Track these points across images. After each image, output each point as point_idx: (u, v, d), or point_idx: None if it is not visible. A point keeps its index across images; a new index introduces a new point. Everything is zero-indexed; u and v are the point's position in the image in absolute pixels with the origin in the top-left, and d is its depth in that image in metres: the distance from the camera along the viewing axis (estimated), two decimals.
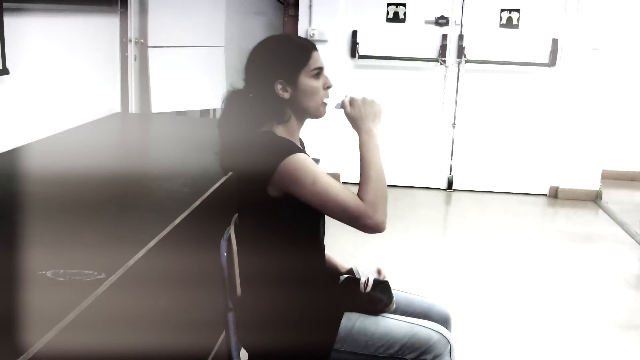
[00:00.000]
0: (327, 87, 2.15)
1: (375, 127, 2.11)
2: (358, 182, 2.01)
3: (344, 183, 6.05)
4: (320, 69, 2.13)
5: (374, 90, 6.19)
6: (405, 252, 4.71)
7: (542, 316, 3.79)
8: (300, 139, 2.25)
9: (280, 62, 2.10)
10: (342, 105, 2.14)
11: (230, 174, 2.22)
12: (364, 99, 2.13)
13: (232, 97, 2.16)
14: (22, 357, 1.51)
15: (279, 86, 2.08)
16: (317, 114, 2.15)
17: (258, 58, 2.14)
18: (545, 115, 6.17)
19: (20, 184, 3.01)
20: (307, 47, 2.13)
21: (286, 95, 2.09)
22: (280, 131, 2.11)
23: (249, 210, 2.13)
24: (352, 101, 2.13)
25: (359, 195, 1.98)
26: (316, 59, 2.12)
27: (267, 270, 2.07)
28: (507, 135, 6.25)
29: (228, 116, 2.14)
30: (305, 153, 2.21)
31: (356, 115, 2.11)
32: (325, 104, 2.15)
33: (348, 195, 1.96)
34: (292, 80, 2.09)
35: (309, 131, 2.23)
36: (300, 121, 2.17)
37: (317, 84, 2.12)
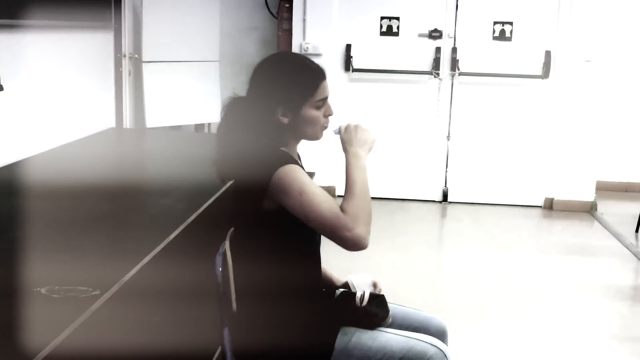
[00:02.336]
0: (327, 115, 2.15)
1: (363, 152, 2.10)
2: None
3: (339, 196, 6.06)
4: (325, 99, 2.13)
5: (368, 104, 6.23)
6: (401, 265, 4.70)
7: (537, 328, 3.78)
8: (297, 154, 2.25)
9: (287, 88, 2.09)
10: (339, 131, 2.15)
11: (223, 189, 2.22)
12: (357, 126, 2.13)
13: (233, 106, 2.15)
14: None
15: (280, 112, 2.08)
16: (314, 138, 2.16)
17: (266, 76, 2.12)
18: (539, 127, 6.19)
19: (15, 199, 3.01)
20: (318, 76, 2.12)
21: (285, 121, 2.09)
22: (279, 144, 2.12)
23: (245, 224, 2.12)
24: (346, 127, 2.14)
25: (340, 207, 1.96)
26: (323, 89, 2.12)
27: (263, 285, 2.06)
28: (501, 147, 6.26)
29: (228, 124, 2.13)
30: (301, 166, 2.22)
31: (346, 138, 2.12)
32: (324, 127, 2.15)
33: (331, 207, 1.94)
34: (294, 109, 2.08)
35: (305, 144, 2.23)
36: (297, 140, 2.18)
37: (319, 113, 2.12)
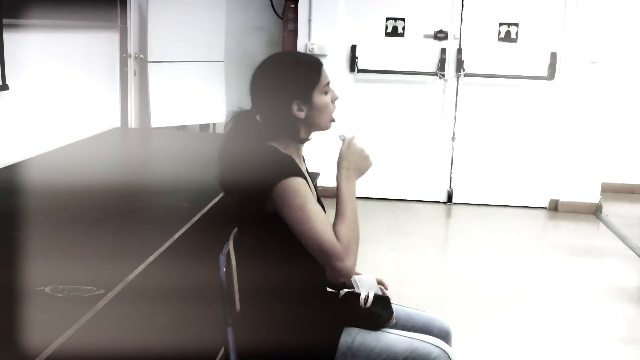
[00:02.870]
0: (334, 99, 2.16)
1: (355, 177, 2.12)
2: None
3: None
4: (329, 83, 2.14)
5: (373, 105, 6.22)
6: (405, 265, 4.70)
7: (542, 330, 3.78)
8: (302, 156, 2.25)
9: (295, 82, 2.11)
10: (344, 139, 2.16)
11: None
12: (361, 150, 2.13)
13: (239, 119, 2.15)
14: None
15: (295, 107, 2.09)
16: (326, 127, 2.17)
17: (269, 79, 2.13)
18: (544, 129, 6.18)
19: (20, 199, 3.01)
20: (316, 63, 2.15)
21: (302, 115, 2.10)
22: (284, 147, 2.11)
23: (248, 225, 2.12)
24: (350, 143, 2.14)
25: (334, 230, 1.98)
26: (325, 74, 2.15)
27: (266, 285, 2.07)
28: (506, 149, 6.25)
29: (235, 139, 2.14)
30: (306, 168, 2.22)
31: (345, 156, 2.12)
32: (333, 120, 2.16)
33: (328, 232, 1.96)
34: (307, 99, 2.10)
35: (309, 144, 2.23)
36: (308, 135, 2.18)
37: (327, 99, 2.14)
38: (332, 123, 2.18)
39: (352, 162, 2.11)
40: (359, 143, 2.15)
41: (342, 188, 2.08)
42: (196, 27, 5.82)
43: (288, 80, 2.11)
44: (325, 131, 2.19)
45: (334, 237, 1.96)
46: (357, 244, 2.00)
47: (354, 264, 1.98)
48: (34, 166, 3.65)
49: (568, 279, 4.59)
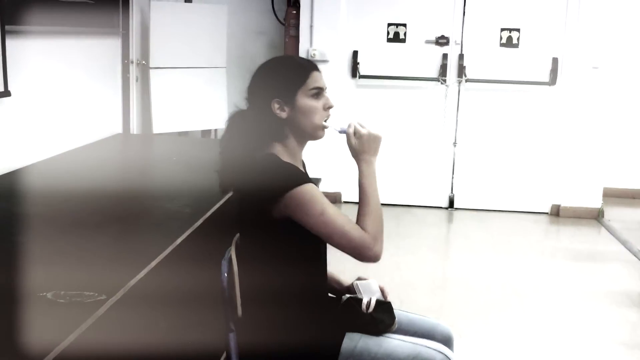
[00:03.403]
0: (327, 107, 2.15)
1: (375, 158, 2.12)
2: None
3: (345, 202, 6.07)
4: (320, 88, 2.13)
5: (375, 110, 6.23)
6: (407, 270, 4.69)
7: (545, 334, 3.77)
8: (302, 161, 2.25)
9: (277, 80, 2.12)
10: (346, 132, 2.13)
11: (230, 194, 2.22)
12: (369, 135, 2.11)
13: (235, 118, 2.17)
14: None
15: (276, 105, 2.09)
16: (315, 135, 2.15)
17: (258, 78, 2.16)
18: (546, 134, 6.18)
19: (22, 205, 3.01)
20: (307, 66, 2.15)
21: (283, 115, 2.10)
22: (282, 154, 2.11)
23: (251, 231, 2.12)
24: (357, 133, 2.12)
25: (360, 224, 2.01)
26: (315, 79, 2.13)
27: (269, 290, 2.06)
28: (508, 154, 6.25)
29: (230, 136, 2.15)
30: (306, 174, 2.22)
31: (359, 148, 2.11)
32: (324, 127, 2.14)
33: (353, 227, 1.99)
34: (289, 99, 2.09)
35: (310, 150, 2.23)
36: (301, 142, 2.17)
37: (316, 103, 2.12)
38: (325, 131, 2.16)
39: (366, 149, 2.11)
40: (361, 128, 2.13)
41: (364, 174, 2.09)
42: (198, 33, 5.82)
43: (272, 78, 2.13)
44: (319, 140, 2.18)
45: (360, 231, 1.99)
46: (382, 226, 2.04)
47: (382, 248, 2.02)
48: (36, 172, 3.65)
49: (570, 284, 4.58)
